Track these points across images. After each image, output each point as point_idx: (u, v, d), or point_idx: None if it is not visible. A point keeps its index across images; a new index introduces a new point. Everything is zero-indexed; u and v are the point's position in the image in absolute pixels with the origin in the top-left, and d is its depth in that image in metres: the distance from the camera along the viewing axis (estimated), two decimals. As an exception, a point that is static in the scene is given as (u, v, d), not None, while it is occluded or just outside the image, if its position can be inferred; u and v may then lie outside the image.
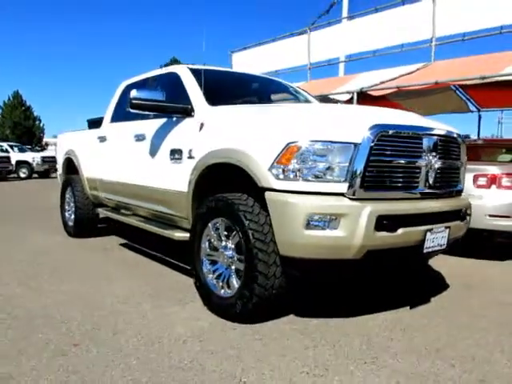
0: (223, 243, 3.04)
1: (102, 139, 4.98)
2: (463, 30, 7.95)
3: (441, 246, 2.94)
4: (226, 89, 3.95)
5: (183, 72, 3.91)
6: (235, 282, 2.92)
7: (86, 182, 5.57)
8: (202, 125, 3.30)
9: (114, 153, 4.72)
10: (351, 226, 2.51)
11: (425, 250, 2.82)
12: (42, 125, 41.68)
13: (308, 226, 2.52)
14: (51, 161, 22.63)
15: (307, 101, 4.65)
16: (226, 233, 3.01)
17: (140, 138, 4.12)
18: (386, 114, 2.96)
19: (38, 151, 28.10)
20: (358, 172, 2.55)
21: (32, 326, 2.80)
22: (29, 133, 39.39)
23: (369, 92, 7.32)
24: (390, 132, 2.66)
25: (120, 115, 4.92)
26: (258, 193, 2.80)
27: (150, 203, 4.09)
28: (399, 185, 2.75)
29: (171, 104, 3.55)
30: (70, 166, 6.04)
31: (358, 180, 2.55)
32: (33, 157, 22.06)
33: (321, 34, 10.61)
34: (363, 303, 3.39)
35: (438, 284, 3.95)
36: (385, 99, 8.87)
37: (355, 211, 2.52)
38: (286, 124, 2.71)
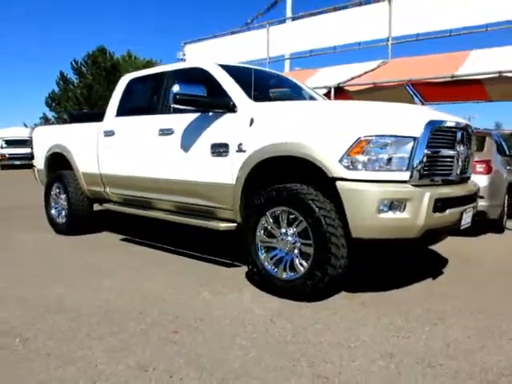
0: (283, 230, 3.29)
1: (109, 133, 4.89)
2: (417, 31, 8.76)
3: (468, 223, 3.46)
4: (256, 85, 4.14)
5: (213, 68, 4.03)
6: (300, 265, 3.19)
7: (82, 178, 5.41)
8: (252, 120, 3.49)
9: (128, 147, 4.67)
10: (416, 208, 2.91)
11: (461, 227, 3.31)
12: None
13: (379, 210, 2.87)
14: None
15: (312, 97, 4.97)
16: (286, 220, 3.26)
17: (166, 132, 4.16)
18: (435, 112, 3.39)
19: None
20: (418, 162, 2.95)
21: (119, 321, 2.84)
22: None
23: (344, 87, 7.84)
24: (441, 127, 3.10)
25: (128, 109, 4.88)
26: (321, 183, 3.09)
27: (180, 196, 4.16)
28: (443, 172, 3.21)
29: (215, 100, 3.68)
30: (57, 162, 5.81)
31: (418, 169, 2.95)
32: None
33: (279, 28, 10.97)
34: (382, 281, 3.84)
35: (439, 260, 4.53)
36: (345, 93, 9.49)
37: (418, 195, 2.92)
38: (356, 120, 3.02)
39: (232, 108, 3.69)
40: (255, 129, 3.46)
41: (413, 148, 2.94)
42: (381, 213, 2.88)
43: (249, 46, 11.23)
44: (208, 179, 3.82)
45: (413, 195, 2.92)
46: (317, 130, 3.10)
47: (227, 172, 3.63)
